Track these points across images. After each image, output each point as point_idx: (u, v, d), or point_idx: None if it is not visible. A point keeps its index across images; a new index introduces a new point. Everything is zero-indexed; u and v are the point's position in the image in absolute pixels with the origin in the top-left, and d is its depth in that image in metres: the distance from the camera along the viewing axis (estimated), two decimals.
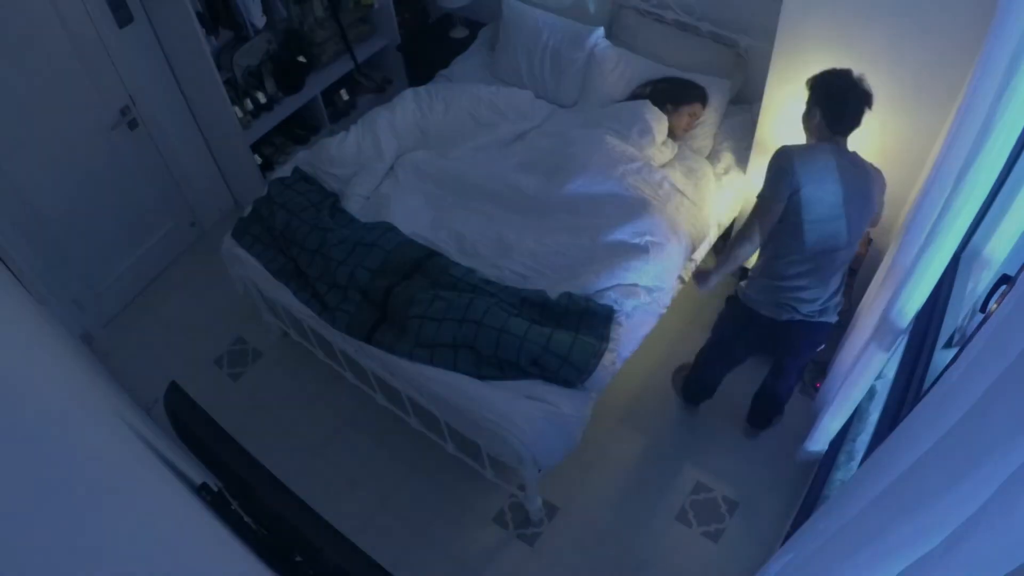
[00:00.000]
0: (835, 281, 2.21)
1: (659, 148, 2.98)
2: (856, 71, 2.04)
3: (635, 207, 2.69)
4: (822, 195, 2.03)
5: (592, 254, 2.60)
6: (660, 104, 3.02)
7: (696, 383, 2.78)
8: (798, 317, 2.22)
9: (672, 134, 3.05)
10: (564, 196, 2.78)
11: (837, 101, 2.03)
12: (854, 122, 2.05)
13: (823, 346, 2.32)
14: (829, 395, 2.60)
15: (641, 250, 2.58)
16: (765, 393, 2.66)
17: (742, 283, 2.36)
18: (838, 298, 2.25)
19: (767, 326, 2.29)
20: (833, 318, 2.26)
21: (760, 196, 2.15)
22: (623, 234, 2.62)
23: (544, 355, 2.27)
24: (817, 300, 2.20)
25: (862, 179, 2.08)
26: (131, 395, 2.87)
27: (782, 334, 2.30)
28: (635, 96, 3.13)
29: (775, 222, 2.12)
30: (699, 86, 3.04)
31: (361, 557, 1.43)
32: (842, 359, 2.60)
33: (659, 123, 2.98)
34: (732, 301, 2.43)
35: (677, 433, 2.85)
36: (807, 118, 2.13)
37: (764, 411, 2.74)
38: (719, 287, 2.41)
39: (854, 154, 2.10)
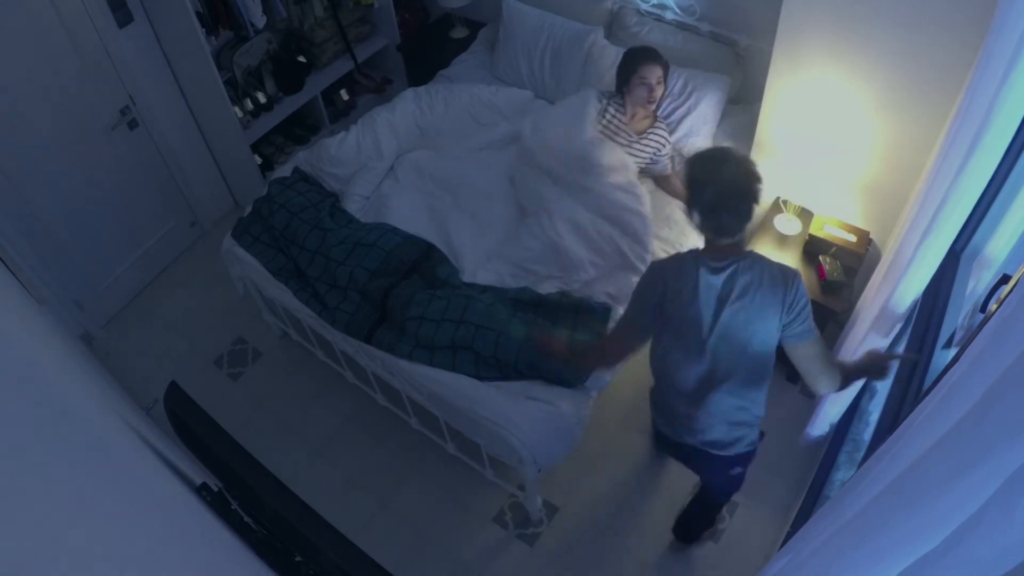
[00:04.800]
0: (719, 411, 1.82)
1: (609, 126, 2.86)
2: (737, 155, 1.68)
3: (624, 206, 2.68)
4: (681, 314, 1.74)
5: (589, 253, 2.61)
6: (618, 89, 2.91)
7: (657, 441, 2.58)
8: (690, 442, 1.91)
9: (642, 108, 2.86)
10: (559, 192, 2.77)
11: (709, 208, 1.65)
12: (733, 227, 1.67)
13: (740, 470, 1.99)
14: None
15: (637, 249, 2.58)
16: (691, 509, 2.42)
17: None
18: (743, 431, 1.87)
19: (666, 440, 2.04)
20: (743, 449, 1.90)
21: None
22: (617, 233, 2.63)
23: (542, 359, 2.27)
24: (707, 431, 1.86)
25: (747, 298, 1.69)
26: (131, 395, 2.87)
27: (683, 454, 2.03)
28: None
29: (643, 341, 1.87)
30: (636, 49, 2.82)
31: (361, 557, 1.43)
32: (842, 356, 2.60)
33: (593, 104, 2.89)
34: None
35: None
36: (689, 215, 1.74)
37: (688, 521, 2.49)
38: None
39: (741, 262, 1.69)
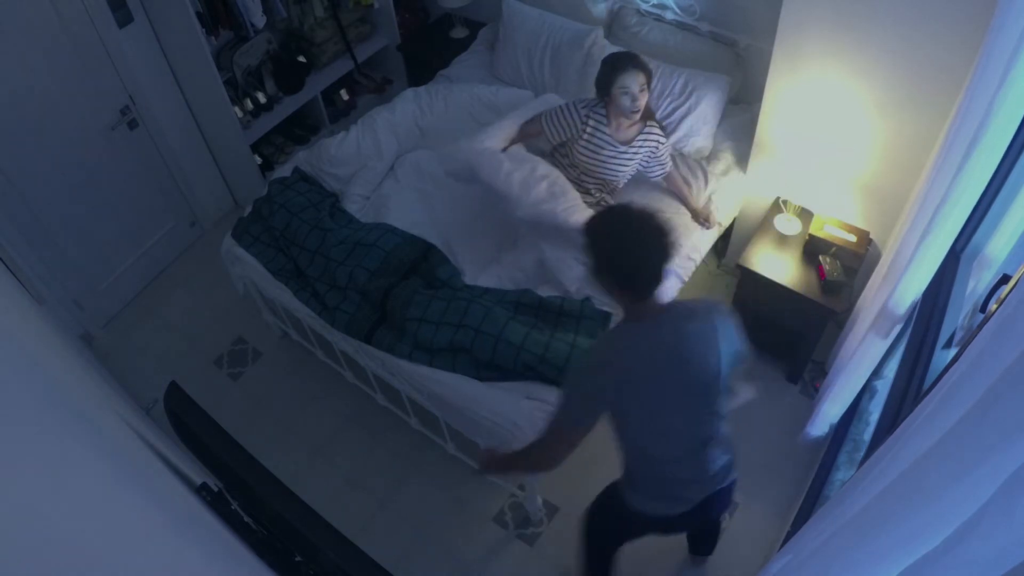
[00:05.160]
0: (721, 450, 1.81)
1: (592, 142, 2.71)
2: (638, 210, 1.57)
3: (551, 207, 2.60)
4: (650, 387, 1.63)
5: (573, 250, 2.59)
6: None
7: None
8: (702, 496, 1.84)
9: (626, 118, 2.65)
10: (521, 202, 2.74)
11: (625, 272, 1.55)
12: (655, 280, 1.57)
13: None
14: (829, 390, 2.61)
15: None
16: (699, 534, 2.40)
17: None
18: (731, 443, 1.87)
19: (670, 524, 1.95)
20: (736, 462, 1.91)
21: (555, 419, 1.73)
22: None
23: (541, 365, 2.26)
24: (718, 471, 1.83)
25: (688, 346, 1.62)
26: (131, 395, 2.87)
27: (692, 516, 1.90)
28: None
29: (587, 433, 1.71)
30: (615, 56, 2.61)
31: (361, 557, 1.43)
32: (842, 356, 2.61)
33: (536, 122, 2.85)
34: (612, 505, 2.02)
35: None
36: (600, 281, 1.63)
37: (706, 539, 2.45)
38: None
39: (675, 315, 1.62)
